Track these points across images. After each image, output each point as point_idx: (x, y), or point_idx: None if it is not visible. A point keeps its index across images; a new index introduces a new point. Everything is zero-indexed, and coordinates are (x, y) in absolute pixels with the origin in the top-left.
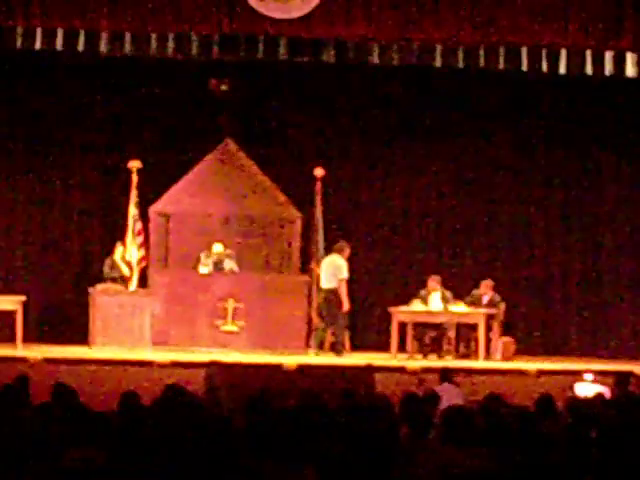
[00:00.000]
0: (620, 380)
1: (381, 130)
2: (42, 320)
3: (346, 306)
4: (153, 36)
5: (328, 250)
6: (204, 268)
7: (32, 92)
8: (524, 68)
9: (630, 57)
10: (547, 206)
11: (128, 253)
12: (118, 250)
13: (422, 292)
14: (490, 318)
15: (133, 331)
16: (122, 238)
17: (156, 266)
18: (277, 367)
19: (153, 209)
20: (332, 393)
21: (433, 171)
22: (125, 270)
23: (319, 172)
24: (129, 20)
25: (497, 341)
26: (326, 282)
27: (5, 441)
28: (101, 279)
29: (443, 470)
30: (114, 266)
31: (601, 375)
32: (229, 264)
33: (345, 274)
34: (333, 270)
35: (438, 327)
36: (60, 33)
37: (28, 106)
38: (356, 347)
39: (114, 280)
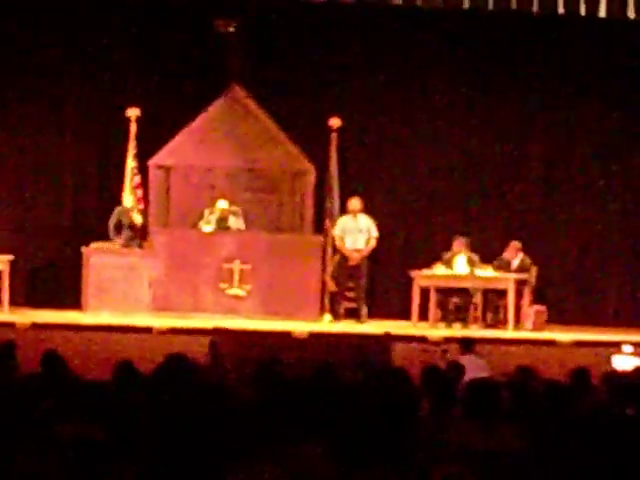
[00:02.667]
0: None
1: (403, 77)
2: (30, 282)
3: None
4: None
5: (342, 208)
6: (207, 226)
7: (24, 28)
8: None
9: None
10: (588, 166)
11: (126, 210)
12: (127, 198)
13: (446, 255)
14: (520, 284)
15: (130, 294)
16: (119, 192)
17: (155, 224)
18: (287, 335)
19: (153, 161)
20: (346, 364)
21: (460, 123)
22: (138, 219)
23: (335, 122)
24: None
25: (528, 309)
26: (359, 242)
27: None
28: (94, 236)
29: (466, 449)
30: (125, 215)
31: None
32: (235, 222)
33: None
34: (366, 229)
35: (463, 293)
36: None
37: (17, 44)
38: (374, 314)
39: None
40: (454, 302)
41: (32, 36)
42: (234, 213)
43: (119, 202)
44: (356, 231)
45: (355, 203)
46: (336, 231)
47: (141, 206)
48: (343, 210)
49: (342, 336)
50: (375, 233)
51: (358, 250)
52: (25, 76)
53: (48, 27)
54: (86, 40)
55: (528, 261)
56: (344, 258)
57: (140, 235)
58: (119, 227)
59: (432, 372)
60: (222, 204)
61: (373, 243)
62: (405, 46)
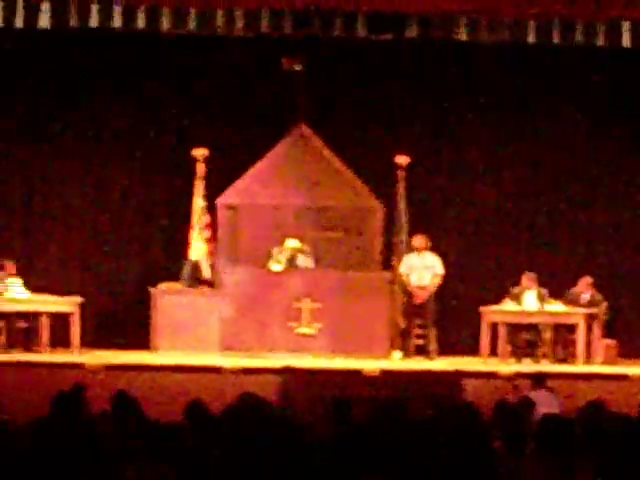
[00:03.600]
0: None
1: (470, 114)
2: (100, 323)
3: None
4: (219, 12)
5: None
6: (277, 265)
7: (87, 73)
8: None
9: None
10: None
11: (195, 250)
12: (196, 248)
13: (515, 290)
14: (590, 318)
15: (200, 334)
16: (187, 233)
17: (224, 263)
18: (357, 373)
19: (221, 201)
20: (417, 401)
21: (528, 160)
22: (207, 272)
23: (402, 159)
24: None
25: (598, 343)
26: (424, 279)
27: (59, 455)
28: (162, 276)
29: None
30: (196, 269)
31: None
32: (304, 261)
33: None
34: (432, 266)
35: (533, 328)
36: (117, 11)
37: (81, 89)
38: (443, 350)
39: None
40: (524, 337)
41: (97, 80)
42: (303, 252)
43: (187, 242)
44: (422, 268)
45: (420, 240)
46: (402, 268)
47: (210, 247)
48: (410, 247)
49: (412, 373)
50: (440, 270)
51: (423, 287)
52: (92, 121)
53: (112, 70)
54: (152, 81)
55: (599, 297)
56: (411, 295)
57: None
58: (191, 280)
59: (503, 408)
60: (292, 243)
61: (438, 280)
62: (471, 83)
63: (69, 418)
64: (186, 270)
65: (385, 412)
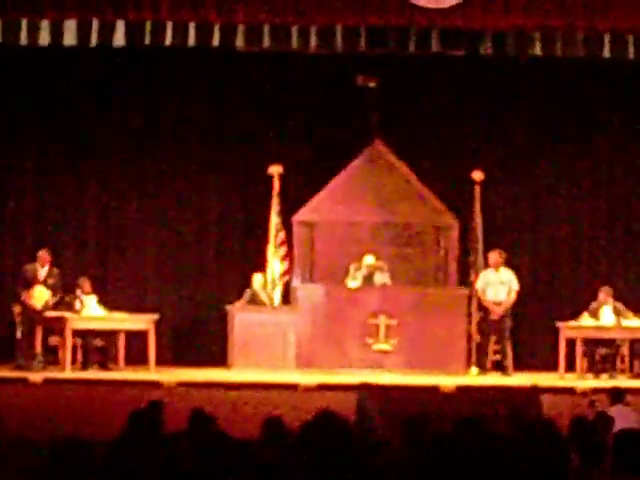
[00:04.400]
0: None
1: (546, 129)
2: (176, 341)
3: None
4: (294, 29)
5: (486, 260)
6: (353, 282)
7: (165, 90)
8: None
9: None
10: None
11: (272, 267)
12: (256, 279)
13: (592, 305)
14: None
15: (276, 351)
16: (264, 250)
17: (300, 280)
18: (434, 389)
19: (296, 218)
20: (495, 417)
21: (604, 173)
22: (266, 300)
23: (478, 175)
24: (267, 11)
25: None
26: (500, 295)
27: (136, 474)
28: (239, 295)
29: None
30: (255, 298)
31: None
32: (381, 278)
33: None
34: (507, 282)
35: (610, 343)
36: (192, 27)
37: (157, 106)
38: (520, 366)
39: None
40: (601, 353)
41: (173, 97)
42: (380, 269)
43: (264, 259)
44: (498, 284)
45: (496, 256)
46: (478, 284)
47: (286, 264)
48: (486, 263)
49: (489, 389)
50: (516, 286)
51: (499, 303)
52: (168, 138)
53: (192, 90)
54: (227, 98)
55: None
56: (487, 311)
57: (282, 292)
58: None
59: (580, 424)
60: (369, 260)
61: (514, 296)
62: (547, 98)
63: (145, 436)
64: (245, 298)
65: (462, 428)
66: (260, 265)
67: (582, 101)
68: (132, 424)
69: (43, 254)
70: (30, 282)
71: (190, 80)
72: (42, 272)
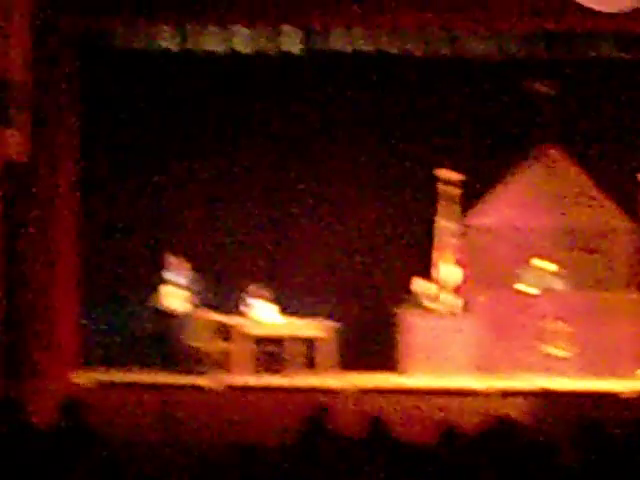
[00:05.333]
0: None
1: None
2: (349, 346)
3: None
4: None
5: None
6: (528, 287)
7: (342, 92)
8: None
9: None
10: None
11: (442, 272)
12: (417, 284)
13: None
14: None
15: (450, 356)
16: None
17: (474, 285)
18: (612, 395)
19: (470, 222)
20: None
21: None
22: (430, 304)
23: None
24: (441, 18)
25: None
26: None
27: (311, 477)
28: (409, 300)
29: None
30: (417, 302)
31: None
32: (555, 282)
33: None
34: None
35: None
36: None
37: (330, 107)
38: None
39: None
40: None
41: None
42: (555, 273)
43: (435, 264)
44: None
45: None
46: None
47: (456, 268)
48: None
49: None
50: None
51: None
52: (346, 143)
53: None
54: (405, 101)
55: None
56: None
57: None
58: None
59: None
60: (543, 264)
61: None
62: None
63: (317, 442)
64: (418, 299)
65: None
66: (428, 270)
67: None
68: (302, 430)
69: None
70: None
71: (362, 85)
72: (181, 276)
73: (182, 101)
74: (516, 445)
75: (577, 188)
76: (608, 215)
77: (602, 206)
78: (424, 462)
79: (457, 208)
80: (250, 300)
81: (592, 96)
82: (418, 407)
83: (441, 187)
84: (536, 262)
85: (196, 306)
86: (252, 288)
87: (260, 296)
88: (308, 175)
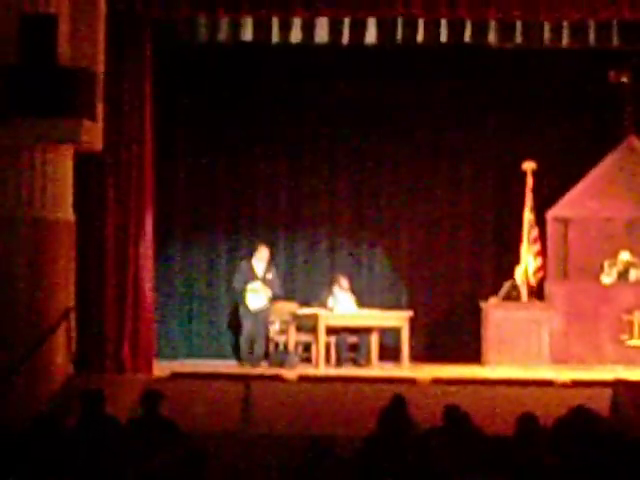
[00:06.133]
0: None
1: None
2: (430, 337)
3: None
4: (546, 25)
5: None
6: (608, 278)
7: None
8: None
9: None
10: None
11: (524, 263)
12: (518, 272)
13: None
14: None
15: (530, 348)
16: (517, 246)
17: (554, 277)
18: None
19: (550, 214)
20: None
21: None
22: (524, 294)
23: None
24: (519, 8)
25: None
26: None
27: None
28: (494, 292)
29: None
30: (512, 292)
31: None
32: (636, 274)
33: None
34: None
35: None
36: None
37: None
38: None
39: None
40: None
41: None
42: (635, 265)
43: (517, 255)
44: None
45: None
46: None
47: (539, 260)
48: None
49: None
50: None
51: None
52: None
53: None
54: (481, 93)
55: None
56: None
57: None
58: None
59: None
60: (624, 256)
61: None
62: None
63: (396, 433)
64: (503, 291)
65: None
66: (514, 262)
67: None
68: (383, 420)
69: (263, 249)
70: (248, 278)
71: (441, 76)
72: (260, 268)
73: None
74: (593, 436)
75: None
76: None
77: None
78: (501, 451)
79: (537, 200)
80: (335, 291)
81: None
82: (497, 398)
83: (527, 179)
84: (620, 254)
85: (276, 298)
86: (337, 278)
87: (343, 287)
88: (391, 169)
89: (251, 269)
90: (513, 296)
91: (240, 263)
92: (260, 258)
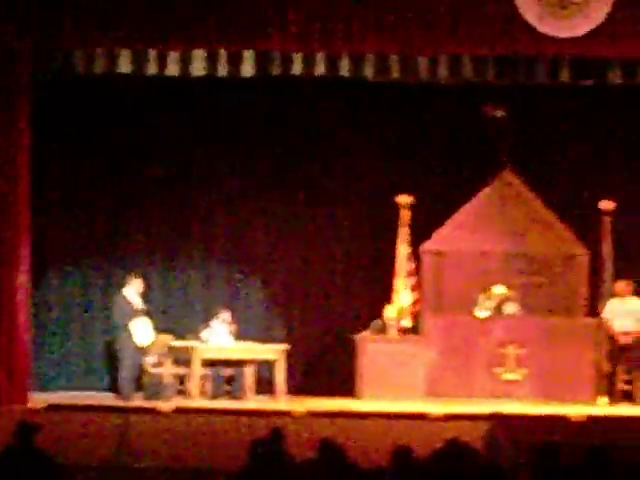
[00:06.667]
0: None
1: None
2: (305, 370)
3: None
4: (421, 59)
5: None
6: (483, 312)
7: (294, 121)
8: None
9: None
10: None
11: (398, 297)
12: (389, 310)
13: None
14: None
15: (405, 381)
16: (391, 280)
17: (429, 310)
18: (564, 419)
19: (425, 247)
20: (626, 447)
21: None
22: (394, 333)
23: (607, 205)
24: (396, 42)
25: None
26: (627, 325)
27: None
28: (367, 325)
29: None
30: (383, 329)
31: None
32: (511, 307)
33: None
34: (635, 311)
35: None
36: (321, 57)
37: (282, 135)
38: None
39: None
40: None
41: (300, 127)
42: (510, 299)
43: (392, 289)
44: (624, 314)
45: (622, 286)
46: (605, 313)
47: (415, 294)
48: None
49: (620, 419)
50: None
51: (627, 333)
52: (291, 170)
53: (312, 120)
54: (351, 128)
55: None
56: (616, 340)
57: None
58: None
59: None
60: (499, 290)
61: None
62: None
63: (270, 466)
64: (372, 329)
65: (593, 458)
66: (388, 295)
67: None
68: (255, 453)
69: (138, 281)
70: (127, 311)
71: (318, 109)
72: (137, 301)
73: (140, 123)
74: (468, 469)
75: (533, 214)
76: (564, 241)
77: (557, 232)
78: None
79: (412, 234)
80: (214, 323)
81: (550, 122)
82: (372, 431)
83: (401, 213)
84: (494, 288)
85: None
86: (219, 311)
87: (225, 320)
88: (268, 202)
89: (128, 302)
90: (387, 329)
91: (116, 297)
92: (136, 290)
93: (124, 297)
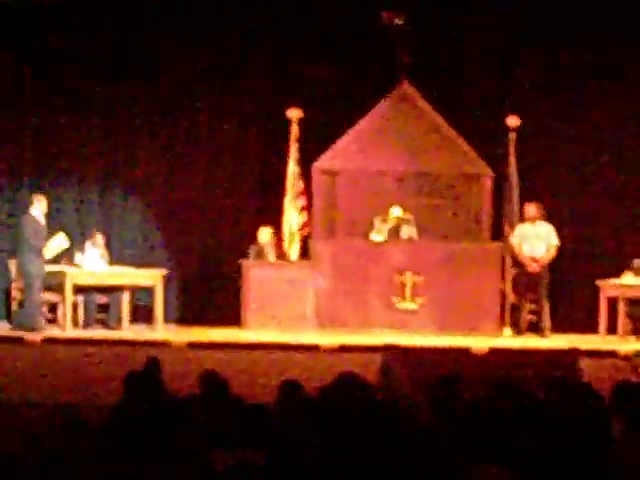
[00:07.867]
0: None
1: (582, 72)
2: (187, 298)
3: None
4: None
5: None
6: (378, 235)
7: (170, 25)
8: None
9: None
10: None
11: (290, 219)
12: (263, 234)
13: (636, 262)
14: None
15: (294, 310)
16: (279, 200)
17: (320, 234)
18: (465, 351)
19: (317, 166)
20: (530, 381)
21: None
22: (272, 258)
23: (513, 121)
24: None
25: None
26: (538, 250)
27: (137, 439)
28: (254, 250)
29: None
30: (261, 254)
31: None
32: (408, 231)
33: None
34: (546, 236)
35: None
36: None
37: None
38: (557, 327)
39: None
40: None
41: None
42: (407, 222)
43: (280, 209)
44: (535, 238)
45: (533, 209)
46: (513, 238)
47: (304, 216)
48: (523, 216)
49: (524, 352)
50: (555, 241)
51: (536, 259)
52: (178, 85)
53: (203, 23)
54: (242, 39)
55: None
56: (523, 267)
57: (301, 246)
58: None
59: (623, 389)
60: (396, 212)
61: (553, 252)
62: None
63: (145, 400)
64: (251, 256)
65: (495, 393)
66: (276, 217)
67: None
68: (130, 387)
69: (43, 200)
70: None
71: (203, 13)
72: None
73: None
74: (360, 404)
75: (433, 130)
76: (466, 160)
77: (459, 151)
78: (261, 420)
79: (303, 151)
80: (87, 247)
81: (453, 31)
82: (258, 364)
83: (291, 128)
84: (391, 210)
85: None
86: (93, 234)
87: (98, 244)
88: (148, 116)
89: (38, 223)
90: (272, 254)
91: (25, 216)
92: (42, 211)
93: (32, 217)
